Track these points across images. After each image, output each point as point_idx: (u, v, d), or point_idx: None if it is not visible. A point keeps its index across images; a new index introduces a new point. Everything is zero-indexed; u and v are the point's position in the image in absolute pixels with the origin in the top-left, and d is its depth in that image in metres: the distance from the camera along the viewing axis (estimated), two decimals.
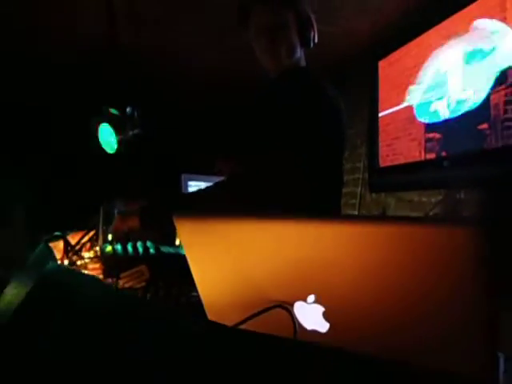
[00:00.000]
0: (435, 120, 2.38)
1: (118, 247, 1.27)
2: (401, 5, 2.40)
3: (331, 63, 3.10)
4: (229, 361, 0.37)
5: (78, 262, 1.27)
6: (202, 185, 2.46)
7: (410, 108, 2.61)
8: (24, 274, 0.73)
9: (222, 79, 3.40)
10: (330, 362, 0.33)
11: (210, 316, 0.59)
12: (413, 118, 2.58)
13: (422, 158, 2.48)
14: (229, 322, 0.51)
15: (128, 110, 2.49)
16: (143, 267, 1.14)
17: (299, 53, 1.18)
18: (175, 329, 0.41)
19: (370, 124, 3.04)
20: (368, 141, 3.10)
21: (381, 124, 2.90)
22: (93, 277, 0.91)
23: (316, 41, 1.20)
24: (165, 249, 1.29)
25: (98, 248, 1.42)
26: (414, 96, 2.58)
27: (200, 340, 0.39)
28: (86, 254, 1.40)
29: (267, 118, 1.14)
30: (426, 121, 2.46)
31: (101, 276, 1.14)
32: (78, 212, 1.87)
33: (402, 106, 2.69)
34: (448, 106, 2.29)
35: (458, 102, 2.21)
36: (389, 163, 2.82)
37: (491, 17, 2.00)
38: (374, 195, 3.06)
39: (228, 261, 0.53)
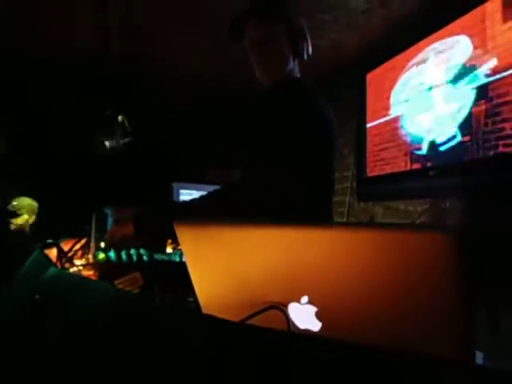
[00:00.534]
0: (420, 131, 2.47)
1: (112, 254, 1.29)
2: (387, 20, 2.49)
3: (320, 75, 3.17)
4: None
5: (71, 270, 1.28)
6: (194, 193, 2.48)
7: (396, 119, 2.69)
8: (22, 280, 0.74)
9: (215, 89, 3.44)
10: (325, 351, 0.36)
11: None
12: (399, 129, 2.66)
13: (408, 168, 2.56)
14: None
15: (120, 118, 2.50)
16: (137, 274, 1.15)
17: (291, 64, 1.21)
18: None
19: (358, 134, 3.11)
20: (356, 151, 3.17)
21: (368, 135, 2.98)
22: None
23: (310, 52, 1.24)
24: (158, 256, 1.30)
25: (90, 256, 1.43)
26: (399, 108, 2.66)
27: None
28: (78, 262, 1.41)
29: (260, 128, 1.17)
30: (412, 132, 2.54)
31: None
32: (70, 219, 1.87)
33: (388, 118, 2.77)
34: (432, 118, 2.38)
35: (442, 115, 2.30)
36: (376, 173, 2.89)
37: (472, 34, 2.09)
38: (362, 204, 3.12)
39: (225, 265, 0.56)
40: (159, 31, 2.65)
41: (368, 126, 2.98)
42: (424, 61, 2.45)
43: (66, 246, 1.42)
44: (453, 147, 2.20)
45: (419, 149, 2.47)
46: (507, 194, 1.92)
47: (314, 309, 0.50)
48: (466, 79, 2.12)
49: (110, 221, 1.50)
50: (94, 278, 1.17)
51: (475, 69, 2.07)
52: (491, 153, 1.97)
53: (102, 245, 1.40)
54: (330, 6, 2.33)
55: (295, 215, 1.05)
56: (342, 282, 0.47)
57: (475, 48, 2.08)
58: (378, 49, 2.81)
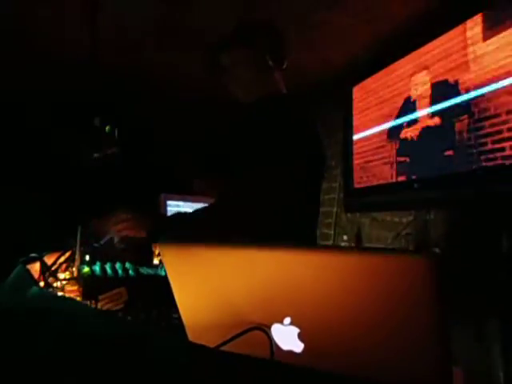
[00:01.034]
0: (405, 144, 2.51)
1: (97, 268, 1.27)
2: (374, 36, 2.55)
3: (308, 88, 3.22)
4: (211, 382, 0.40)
5: (55, 284, 1.26)
6: (181, 204, 2.47)
7: (382, 132, 2.74)
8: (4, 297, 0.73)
9: (203, 101, 3.46)
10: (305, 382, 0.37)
11: (192, 338, 0.62)
12: (385, 142, 2.70)
13: (394, 179, 2.60)
14: (210, 343, 0.54)
15: (107, 128, 2.49)
16: (122, 289, 1.13)
17: (272, 80, 1.24)
18: (153, 351, 0.44)
19: (345, 147, 3.15)
20: (342, 163, 3.21)
21: (355, 147, 3.02)
22: (78, 302, 0.90)
23: (285, 62, 1.26)
24: (144, 270, 1.29)
25: (74, 269, 1.41)
26: (386, 121, 2.71)
27: (183, 362, 0.42)
28: (62, 275, 1.38)
29: (249, 144, 1.19)
30: (397, 145, 2.59)
31: (79, 298, 1.13)
32: (54, 232, 1.84)
33: (374, 131, 2.82)
34: (417, 131, 2.43)
35: (427, 129, 2.35)
36: (363, 185, 2.92)
37: (454, 51, 2.16)
38: (349, 215, 3.15)
39: (209, 286, 0.56)
40: (147, 43, 2.67)
41: (354, 138, 3.03)
42: (410, 74, 2.50)
43: (49, 260, 1.40)
44: (437, 160, 2.25)
45: (404, 161, 2.52)
46: (489, 206, 1.97)
47: (296, 330, 0.50)
48: (450, 94, 2.18)
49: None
50: (77, 293, 1.15)
51: (458, 84, 2.13)
52: (474, 166, 2.02)
53: (87, 258, 1.38)
54: (318, 22, 2.37)
55: (286, 228, 1.07)
56: (324, 303, 0.48)
57: (457, 65, 2.14)
58: (365, 63, 2.87)
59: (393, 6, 2.20)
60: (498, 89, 1.90)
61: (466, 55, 2.09)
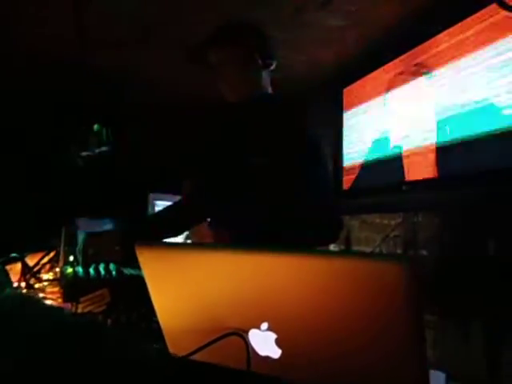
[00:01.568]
0: (394, 147, 2.52)
1: (80, 269, 1.25)
2: (363, 37, 2.55)
3: (297, 90, 3.22)
4: None
5: (36, 285, 1.23)
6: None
7: (372, 134, 2.74)
8: None
9: (192, 101, 3.44)
10: None
11: (169, 342, 0.60)
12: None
13: (383, 182, 2.60)
14: (187, 347, 0.52)
15: (95, 127, 2.46)
16: (105, 291, 1.11)
17: (259, 80, 1.23)
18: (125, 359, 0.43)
19: (334, 148, 3.15)
20: (332, 165, 3.21)
21: (344, 148, 3.02)
22: (48, 308, 0.87)
23: (273, 62, 1.25)
24: (127, 271, 1.27)
25: (58, 269, 1.38)
26: (375, 123, 2.72)
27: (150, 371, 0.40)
28: (45, 276, 1.36)
29: (235, 145, 1.17)
30: (385, 148, 2.60)
31: (60, 300, 1.10)
32: (38, 232, 1.81)
33: (365, 132, 2.82)
34: (405, 135, 2.44)
35: (414, 132, 2.36)
36: (352, 187, 2.92)
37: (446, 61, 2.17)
38: None
39: (186, 289, 0.55)
40: (135, 43, 2.64)
41: (344, 139, 3.03)
42: (400, 77, 2.51)
43: (32, 260, 1.37)
44: (425, 163, 2.26)
45: (392, 164, 2.52)
46: (476, 209, 1.98)
47: (274, 336, 0.49)
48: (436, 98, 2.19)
49: (79, 234, 1.45)
50: (58, 295, 1.13)
51: (440, 87, 2.14)
52: (461, 169, 2.03)
53: (71, 258, 1.35)
54: (307, 22, 2.37)
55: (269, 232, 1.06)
56: (301, 308, 0.47)
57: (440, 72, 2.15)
58: (355, 64, 2.87)
59: (381, 8, 2.21)
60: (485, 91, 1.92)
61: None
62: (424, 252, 2.27)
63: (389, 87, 2.60)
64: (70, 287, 1.12)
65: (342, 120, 3.05)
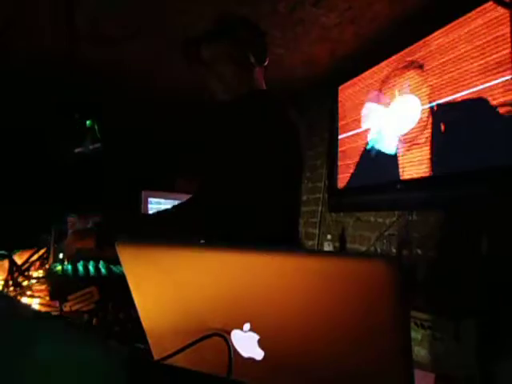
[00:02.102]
0: (389, 145, 2.51)
1: (69, 267, 1.23)
2: (358, 35, 2.54)
3: (293, 86, 3.21)
4: None
5: (25, 283, 1.21)
6: (162, 202, 2.43)
7: (367, 132, 2.74)
8: None
9: (186, 98, 3.42)
10: None
11: (152, 342, 0.59)
12: (369, 142, 2.70)
13: (378, 180, 2.60)
14: (169, 348, 0.51)
15: (88, 123, 2.43)
16: (93, 289, 1.09)
17: (252, 77, 1.21)
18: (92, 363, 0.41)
19: (330, 146, 3.14)
20: (327, 162, 3.20)
21: (340, 146, 3.01)
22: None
23: (266, 59, 1.24)
24: (116, 268, 1.25)
25: (47, 266, 1.36)
26: (370, 121, 2.71)
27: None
28: (35, 274, 1.34)
29: (227, 140, 1.16)
30: (380, 147, 2.59)
31: (47, 298, 1.09)
32: (27, 229, 1.79)
33: (359, 130, 2.81)
34: (399, 133, 2.43)
35: (409, 130, 2.35)
36: (347, 184, 2.92)
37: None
38: (333, 215, 3.15)
39: (169, 289, 0.53)
40: (126, 38, 2.61)
41: (340, 137, 3.02)
42: (394, 75, 2.50)
43: (21, 258, 1.35)
44: (419, 162, 2.25)
45: (387, 163, 2.52)
46: (470, 208, 1.98)
47: (256, 337, 0.48)
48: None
49: (69, 232, 1.43)
50: (45, 293, 1.11)
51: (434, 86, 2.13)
52: (454, 168, 2.03)
53: (61, 256, 1.33)
54: (303, 20, 2.35)
55: (260, 226, 1.05)
56: (283, 309, 0.45)
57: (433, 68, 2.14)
58: (351, 62, 2.86)
59: (376, 6, 2.19)
60: (480, 89, 1.91)
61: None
62: (418, 250, 2.27)
63: (383, 85, 2.59)
64: (58, 285, 1.10)
65: (337, 117, 3.04)
